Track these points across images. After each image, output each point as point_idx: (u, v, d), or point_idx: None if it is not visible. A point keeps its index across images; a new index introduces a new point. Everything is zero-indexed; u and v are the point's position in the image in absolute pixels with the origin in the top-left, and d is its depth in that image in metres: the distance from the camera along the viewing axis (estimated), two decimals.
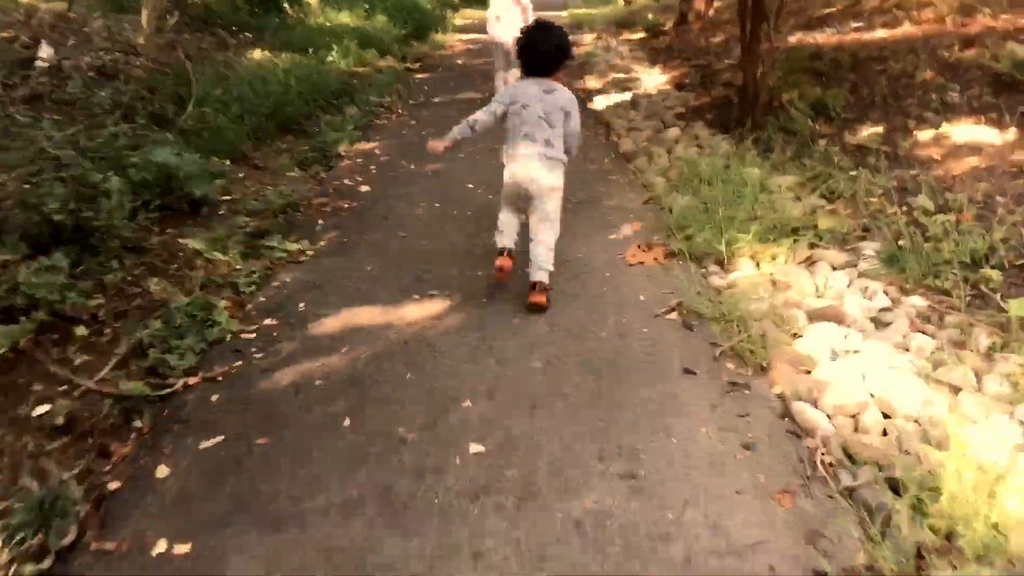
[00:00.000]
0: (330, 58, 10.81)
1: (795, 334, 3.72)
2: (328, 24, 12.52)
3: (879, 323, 3.84)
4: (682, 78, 10.77)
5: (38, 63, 6.83)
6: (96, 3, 7.86)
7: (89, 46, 7.45)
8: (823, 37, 11.07)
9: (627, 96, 9.57)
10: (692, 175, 6.01)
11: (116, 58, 7.31)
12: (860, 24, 11.61)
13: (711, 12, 15.85)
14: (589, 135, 7.87)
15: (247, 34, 11.19)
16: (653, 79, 10.77)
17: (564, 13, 23.42)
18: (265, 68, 8.39)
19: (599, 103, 9.42)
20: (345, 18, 13.10)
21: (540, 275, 3.99)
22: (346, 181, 6.16)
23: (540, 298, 3.95)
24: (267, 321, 3.84)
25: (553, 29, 4.00)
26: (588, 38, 16.57)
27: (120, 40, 7.60)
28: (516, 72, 8.38)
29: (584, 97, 9.91)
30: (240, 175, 6.07)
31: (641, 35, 16.20)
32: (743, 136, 7.33)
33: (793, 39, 9.95)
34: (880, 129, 6.89)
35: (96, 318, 3.74)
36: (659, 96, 9.44)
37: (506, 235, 4.14)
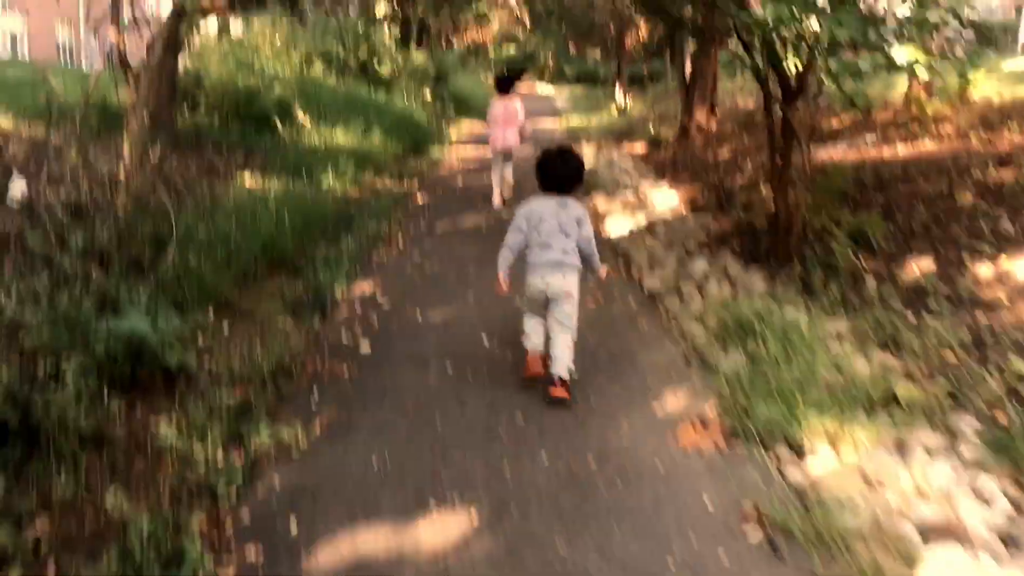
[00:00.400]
0: (325, 183, 10.29)
1: (912, 560, 2.97)
2: (323, 144, 12.06)
3: (1009, 541, 3.09)
4: (696, 197, 10.26)
5: (9, 201, 6.23)
6: (76, 129, 7.31)
7: (66, 179, 6.86)
8: (837, 154, 10.62)
9: (641, 220, 9.00)
10: (734, 321, 5.34)
11: (95, 193, 6.71)
12: (875, 139, 11.21)
13: (713, 125, 15.56)
14: (607, 268, 7.27)
15: (238, 156, 10.68)
16: (665, 198, 10.25)
17: (559, 122, 23.30)
18: (255, 196, 7.81)
19: (613, 228, 8.85)
20: (340, 137, 12.66)
21: (561, 370, 4.31)
22: (344, 337, 5.45)
23: (561, 392, 4.27)
24: (250, 550, 3.06)
25: (573, 156, 4.59)
26: (589, 150, 16.22)
27: (99, 172, 7.01)
28: (509, 170, 10.23)
29: (595, 219, 9.35)
30: (224, 327, 5.37)
31: (641, 148, 15.86)
32: (778, 270, 6.72)
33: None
34: (932, 263, 6.28)
35: (37, 552, 2.98)
36: (676, 220, 8.88)
37: (533, 339, 4.57)
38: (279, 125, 11.95)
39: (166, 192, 7.03)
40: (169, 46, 6.38)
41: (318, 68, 16.13)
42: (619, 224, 8.93)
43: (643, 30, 21.39)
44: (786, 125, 6.83)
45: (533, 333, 4.57)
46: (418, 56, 20.06)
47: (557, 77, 47.19)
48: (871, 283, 6.20)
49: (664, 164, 13.41)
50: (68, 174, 6.97)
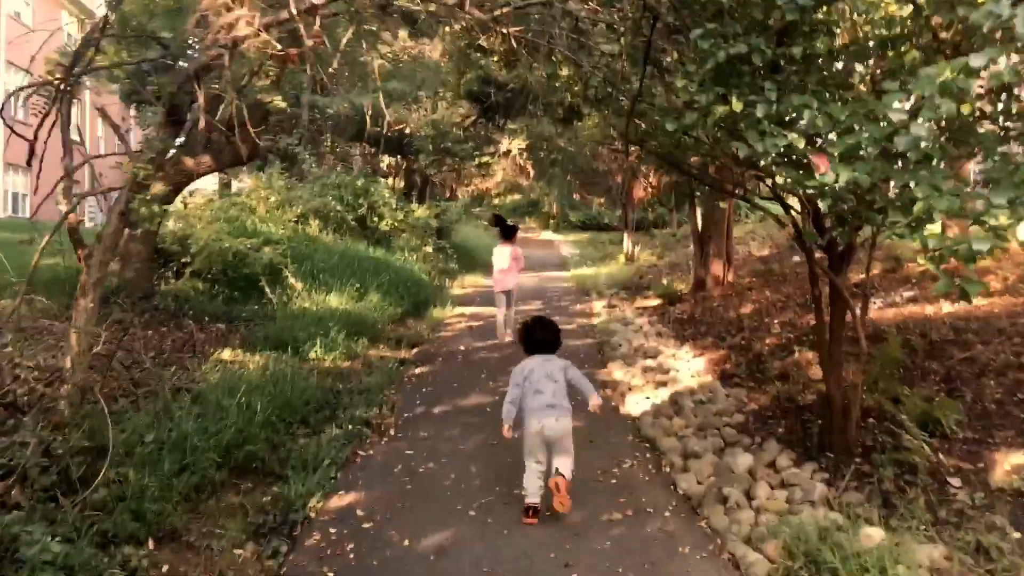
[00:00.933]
0: (313, 354, 9.35)
1: None
2: (314, 308, 11.19)
3: None
4: (722, 363, 9.26)
5: None
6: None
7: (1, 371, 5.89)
8: (873, 313, 9.66)
9: (665, 394, 7.98)
10: (797, 547, 4.24)
11: (33, 389, 5.73)
12: (911, 293, 10.31)
13: (730, 276, 14.75)
14: (631, 462, 6.19)
15: (220, 325, 9.80)
16: (688, 365, 9.26)
17: (567, 274, 22.63)
18: (229, 378, 6.85)
19: (632, 406, 7.81)
20: (334, 300, 11.82)
21: (561, 479, 5.01)
22: None
23: (565, 499, 4.99)
24: None
25: (551, 325, 5.58)
26: (598, 306, 15.35)
27: (40, 363, 6.06)
28: (511, 312, 11.67)
29: (610, 395, 8.32)
30: (162, 567, 4.27)
31: (655, 302, 14.99)
32: (838, 466, 5.64)
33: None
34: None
35: None
36: (704, 393, 7.85)
37: (532, 494, 5.11)
38: (267, 290, 11.12)
39: (119, 385, 6.06)
40: (123, 217, 5.52)
41: (314, 226, 15.49)
42: (640, 400, 7.88)
43: (652, 179, 20.94)
44: (835, 293, 5.90)
45: (532, 486, 5.13)
46: (419, 210, 19.52)
47: (562, 224, 47.21)
48: (956, 483, 5.12)
49: (683, 322, 12.47)
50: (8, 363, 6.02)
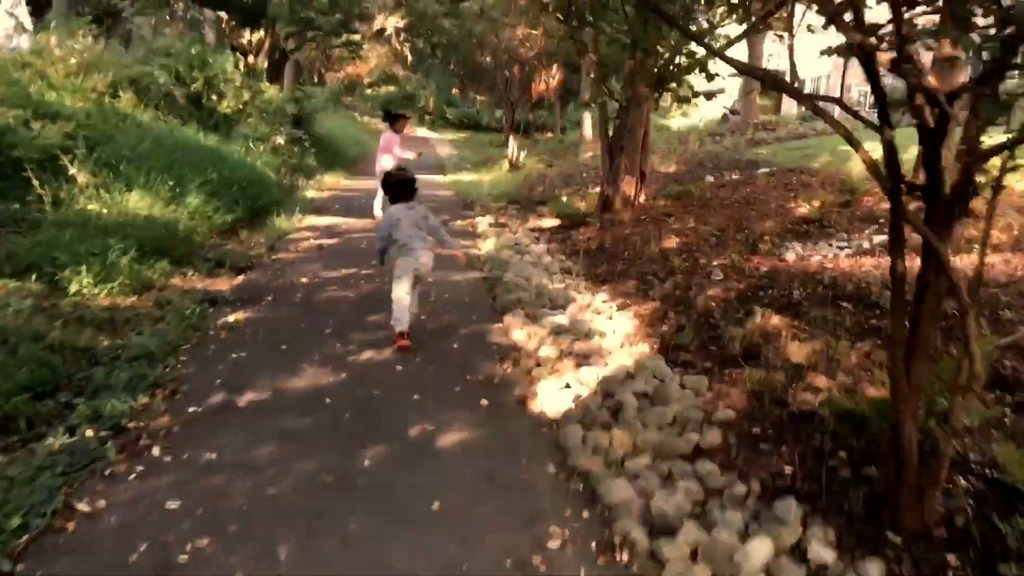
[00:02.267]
0: (75, 286, 6.34)
1: None
2: (104, 213, 8.05)
3: None
4: (657, 322, 6.83)
5: None
6: None
7: None
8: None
9: (589, 376, 5.46)
10: None
11: None
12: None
13: (641, 197, 12.31)
14: (557, 533, 3.61)
15: None
16: (612, 325, 6.76)
17: (444, 179, 19.73)
18: None
19: (546, 398, 5.23)
20: (137, 201, 8.67)
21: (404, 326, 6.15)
22: None
23: (405, 343, 6.09)
24: None
25: (412, 178, 6.39)
26: (483, 223, 12.64)
27: None
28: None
29: (511, 373, 5.73)
30: None
31: (552, 223, 12.44)
32: (915, 563, 3.28)
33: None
34: None
35: None
36: (647, 379, 5.37)
37: (403, 321, 6.11)
38: (36, 183, 7.89)
39: None
40: None
41: (126, 100, 11.98)
42: (556, 391, 5.31)
43: (556, 77, 18.25)
44: (926, 264, 3.43)
45: (403, 315, 6.10)
46: (270, 91, 16.08)
47: (438, 121, 43.90)
48: None
49: (591, 254, 9.98)
50: None
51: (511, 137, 22.05)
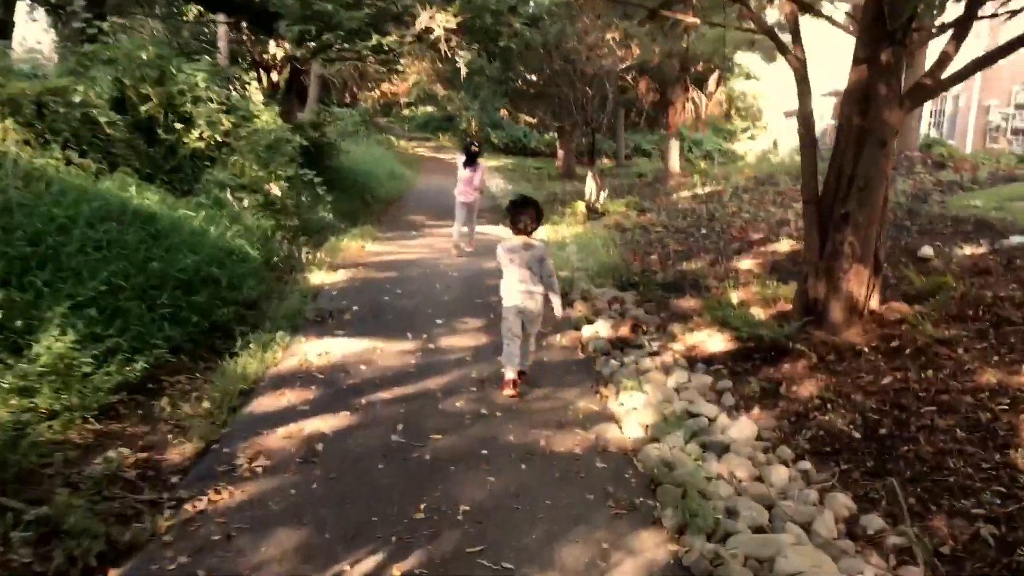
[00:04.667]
0: None
1: None
2: None
3: None
4: None
5: None
6: None
7: None
8: None
9: None
10: None
11: None
12: None
13: (874, 303, 7.18)
14: None
15: None
16: None
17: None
18: None
19: None
20: None
21: (524, 366, 6.06)
22: None
23: (521, 379, 5.95)
24: None
25: (532, 201, 6.03)
26: (596, 339, 7.53)
27: None
28: (464, 228, 12.12)
29: None
30: None
31: (719, 343, 7.31)
32: None
33: None
34: None
35: None
36: None
37: (511, 365, 5.84)
38: None
39: None
40: None
41: (8, 133, 7.06)
42: None
43: (651, 93, 13.33)
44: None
45: (511, 360, 5.85)
46: (265, 112, 11.04)
47: (483, 146, 38.92)
48: None
49: (847, 449, 4.77)
50: None
51: (590, 172, 16.87)
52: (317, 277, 9.05)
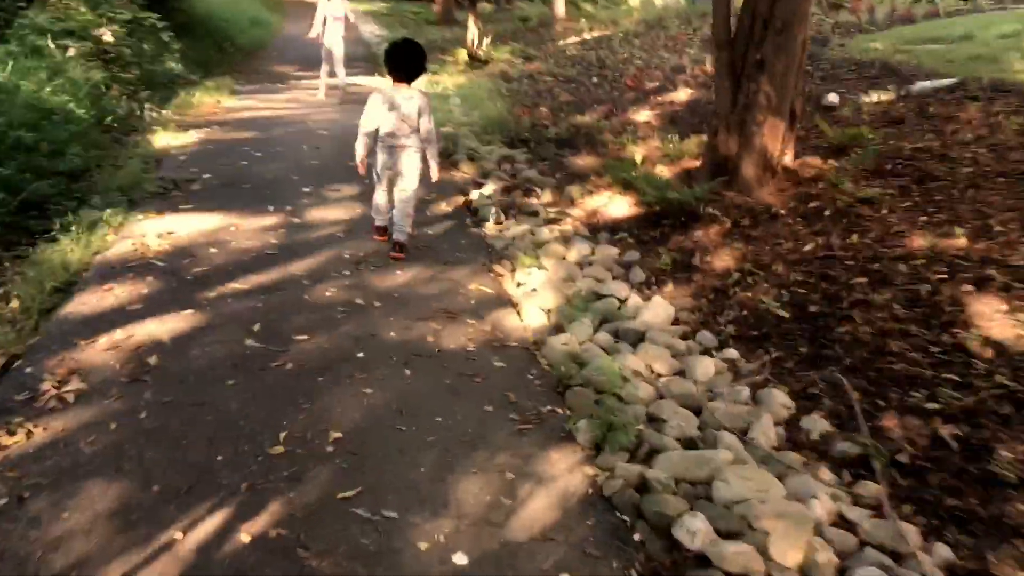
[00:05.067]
0: None
1: None
2: None
3: None
4: None
5: None
6: None
7: None
8: None
9: None
10: None
11: None
12: None
13: (788, 159, 6.60)
14: None
15: None
16: None
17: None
18: None
19: None
20: None
21: (400, 237, 5.39)
22: None
23: (400, 255, 5.35)
24: None
25: (417, 50, 5.18)
26: (488, 204, 6.73)
27: None
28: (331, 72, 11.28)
29: None
30: None
31: (624, 207, 6.63)
32: None
33: None
34: None
35: None
36: None
37: (381, 216, 5.53)
38: None
39: None
40: None
41: None
42: None
43: None
44: None
45: (381, 211, 5.50)
46: None
47: None
48: None
49: (780, 336, 4.20)
50: None
51: (472, 16, 15.54)
52: (162, 139, 7.80)
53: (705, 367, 4.10)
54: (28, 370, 3.60)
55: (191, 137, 8.07)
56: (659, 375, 4.13)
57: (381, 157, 5.20)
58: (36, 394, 3.41)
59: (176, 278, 4.72)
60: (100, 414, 3.31)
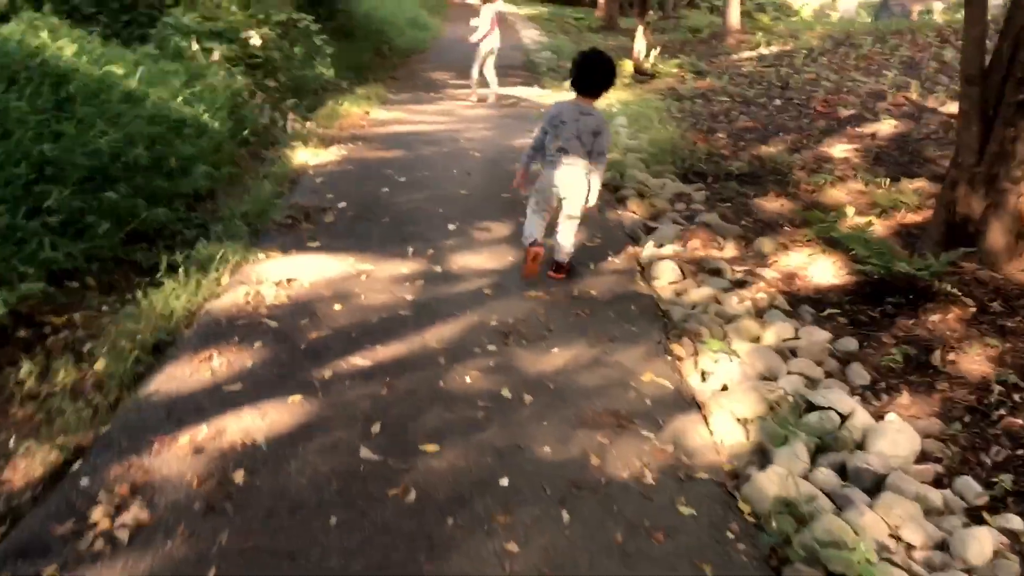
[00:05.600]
0: None
1: None
2: None
3: None
4: None
5: None
6: None
7: None
8: None
9: None
10: None
11: None
12: None
13: None
14: None
15: None
16: None
17: (543, 94, 12.31)
18: None
19: None
20: None
21: (562, 257, 5.07)
22: None
23: (560, 275, 5.05)
24: None
25: (608, 64, 4.71)
26: (660, 262, 5.62)
27: None
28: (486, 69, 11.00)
29: None
30: None
31: (828, 271, 5.42)
32: None
33: None
34: None
35: None
36: None
37: (534, 232, 4.96)
38: None
39: None
40: None
41: None
42: None
43: None
44: None
45: (534, 229, 4.96)
46: None
47: None
48: None
49: None
50: None
51: (642, 27, 14.42)
52: (301, 156, 7.11)
53: (980, 544, 2.91)
54: (84, 481, 2.81)
55: (332, 154, 7.35)
56: (910, 546, 2.96)
57: (548, 174, 4.84)
58: (83, 525, 2.59)
59: (289, 346, 3.89)
60: (157, 567, 2.45)
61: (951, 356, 4.24)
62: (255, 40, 7.92)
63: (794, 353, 4.34)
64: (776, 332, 4.53)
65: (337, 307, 4.35)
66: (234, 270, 4.66)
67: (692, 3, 34.23)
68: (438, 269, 5.04)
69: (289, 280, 4.61)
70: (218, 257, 4.67)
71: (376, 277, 4.79)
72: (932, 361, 4.23)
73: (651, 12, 21.33)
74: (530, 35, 21.69)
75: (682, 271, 5.43)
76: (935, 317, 4.61)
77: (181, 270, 4.39)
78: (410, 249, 5.28)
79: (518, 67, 15.40)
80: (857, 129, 8.94)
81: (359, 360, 3.81)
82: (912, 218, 6.12)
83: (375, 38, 14.41)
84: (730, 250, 5.90)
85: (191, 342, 3.83)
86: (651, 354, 4.26)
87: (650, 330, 4.55)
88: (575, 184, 4.79)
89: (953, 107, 9.26)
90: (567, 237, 5.00)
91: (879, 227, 5.94)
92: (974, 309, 4.62)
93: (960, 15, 21.17)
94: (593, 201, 4.93)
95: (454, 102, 11.06)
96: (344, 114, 8.85)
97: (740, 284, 5.28)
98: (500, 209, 6.28)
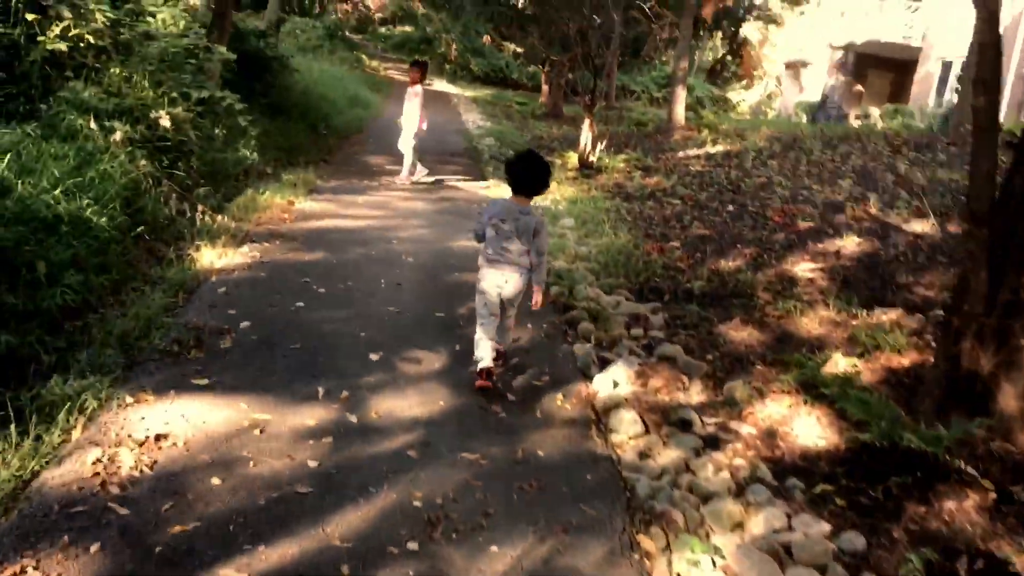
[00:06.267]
0: None
1: None
2: None
3: None
4: None
5: None
6: None
7: None
8: None
9: None
10: None
11: None
12: None
13: None
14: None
15: None
16: None
17: (482, 185, 11.57)
18: None
19: None
20: None
21: (498, 349, 4.92)
22: None
23: (488, 383, 4.69)
24: None
25: (546, 165, 4.83)
26: (624, 426, 4.74)
27: None
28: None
29: None
30: None
31: (816, 439, 4.60)
32: None
33: None
34: None
35: None
36: None
37: (486, 355, 4.69)
38: None
39: None
40: None
41: None
42: None
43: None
44: None
45: (483, 351, 4.70)
46: (167, 12, 8.00)
47: (460, 73, 35.56)
48: None
49: None
50: None
51: (589, 120, 13.88)
52: (207, 256, 6.15)
53: None
54: None
55: (243, 256, 6.41)
56: None
57: (491, 274, 4.72)
58: None
59: (139, 551, 2.90)
60: None
61: (980, 566, 3.44)
62: (164, 121, 7.00)
63: (789, 552, 3.49)
64: (764, 520, 3.70)
65: (215, 481, 3.37)
66: (90, 420, 3.66)
67: (630, 92, 34.45)
68: (353, 420, 4.10)
69: (159, 437, 3.62)
70: (73, 402, 3.66)
71: (273, 432, 3.83)
72: (958, 571, 3.42)
73: (600, 103, 21.07)
74: (473, 118, 21.18)
75: (644, 422, 4.60)
76: (951, 504, 3.84)
77: (13, 427, 3.37)
78: (320, 390, 4.34)
79: (459, 153, 14.74)
80: (819, 245, 8.36)
81: (231, 574, 2.83)
82: (899, 361, 5.42)
83: (312, 115, 13.61)
84: (697, 392, 5.11)
85: (6, 544, 2.82)
86: (614, 555, 3.36)
87: (611, 514, 3.67)
88: (516, 285, 4.74)
89: (918, 225, 8.80)
90: (504, 335, 5.00)
91: (864, 372, 5.22)
92: (993, 495, 3.86)
93: (896, 122, 21.17)
94: (537, 302, 4.84)
95: (389, 192, 10.25)
96: (264, 205, 7.93)
97: (713, 443, 4.46)
98: (433, 332, 5.40)
